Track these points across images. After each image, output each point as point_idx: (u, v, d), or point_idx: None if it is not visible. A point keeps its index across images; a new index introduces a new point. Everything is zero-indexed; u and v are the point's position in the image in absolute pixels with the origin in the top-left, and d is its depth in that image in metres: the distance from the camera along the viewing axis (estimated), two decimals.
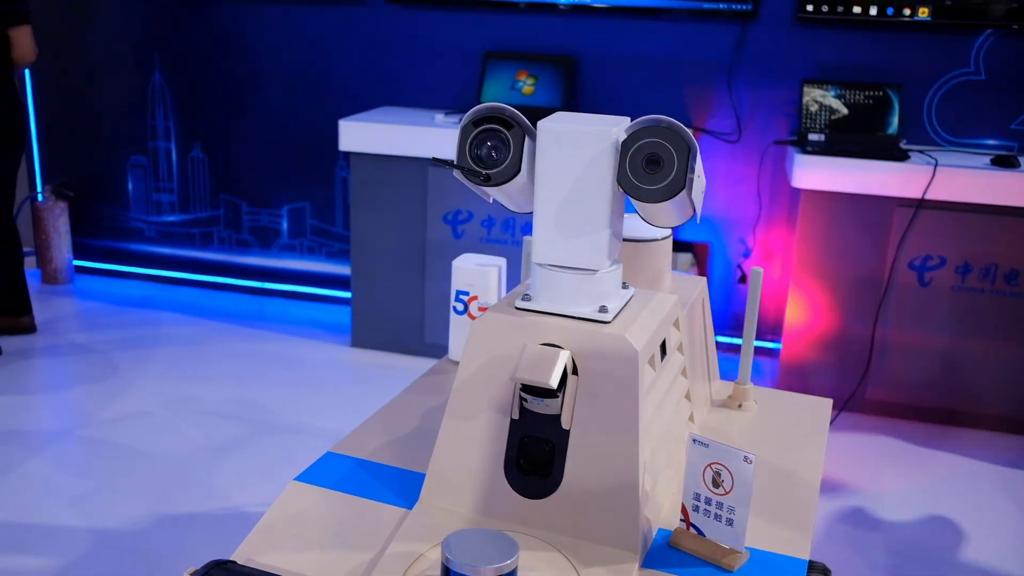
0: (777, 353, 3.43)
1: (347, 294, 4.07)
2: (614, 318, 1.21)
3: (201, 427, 3.00)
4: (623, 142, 1.14)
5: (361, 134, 3.45)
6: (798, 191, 3.14)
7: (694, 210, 1.21)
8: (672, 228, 1.35)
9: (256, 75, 3.99)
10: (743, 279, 3.59)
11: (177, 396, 3.22)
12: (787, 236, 3.43)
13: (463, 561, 1.02)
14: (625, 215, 1.31)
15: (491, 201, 1.30)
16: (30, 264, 3.87)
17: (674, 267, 3.32)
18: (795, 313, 3.22)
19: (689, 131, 1.12)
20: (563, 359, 1.17)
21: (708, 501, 1.20)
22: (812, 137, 3.21)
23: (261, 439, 2.93)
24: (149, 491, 2.61)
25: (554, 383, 1.15)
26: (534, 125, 1.19)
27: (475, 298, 1.72)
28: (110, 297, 4.22)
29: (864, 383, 3.23)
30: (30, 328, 3.73)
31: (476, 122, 1.18)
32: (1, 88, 3.35)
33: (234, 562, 1.16)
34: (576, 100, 3.60)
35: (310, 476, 1.35)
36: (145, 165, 4.24)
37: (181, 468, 2.74)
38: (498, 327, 1.21)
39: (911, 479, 2.88)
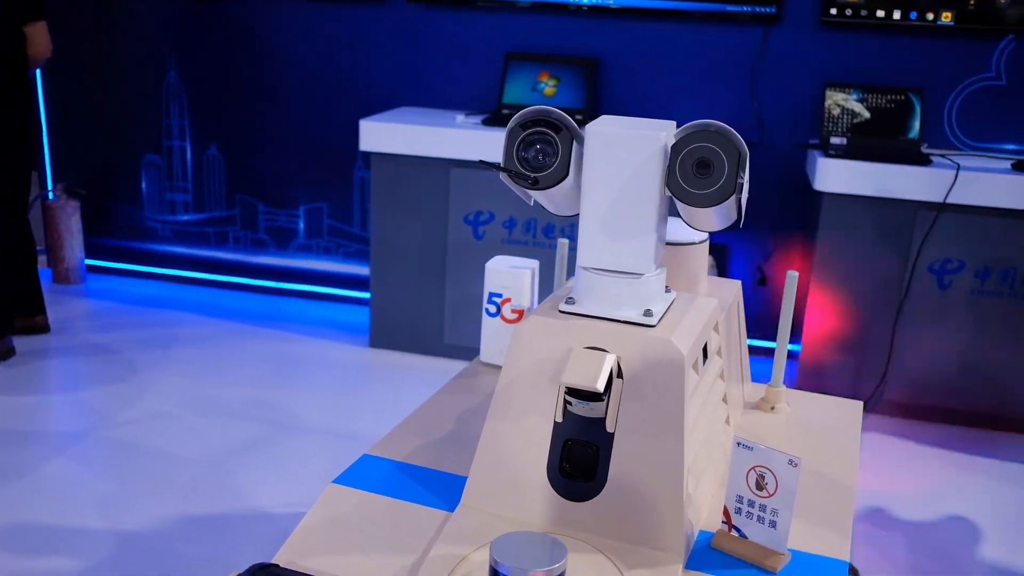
0: (795, 355, 3.43)
1: (364, 294, 4.07)
2: (659, 321, 1.21)
3: (221, 428, 3.00)
4: (673, 146, 1.14)
5: (382, 134, 3.45)
6: (819, 194, 3.14)
7: (739, 214, 1.21)
8: (712, 232, 1.35)
9: (273, 73, 3.99)
10: (762, 281, 3.59)
11: (196, 397, 3.23)
12: (807, 239, 3.43)
13: (513, 564, 1.02)
14: None
15: (531, 203, 1.30)
16: (41, 263, 3.87)
17: None
18: (814, 314, 3.22)
19: (739, 136, 1.12)
20: (609, 363, 1.17)
21: (751, 503, 1.20)
22: (834, 140, 3.21)
23: (282, 440, 2.93)
24: (173, 493, 2.61)
25: (600, 387, 1.15)
26: None
27: (508, 300, 1.72)
28: (123, 297, 4.22)
29: (883, 385, 3.23)
30: (44, 328, 3.73)
31: (524, 125, 1.18)
32: (17, 86, 3.35)
33: (276, 565, 1.16)
34: (598, 102, 3.60)
35: (348, 479, 1.35)
36: (159, 164, 4.24)
37: (203, 469, 2.74)
38: (543, 330, 1.22)
39: (930, 480, 2.88)
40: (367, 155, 3.71)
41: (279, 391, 3.30)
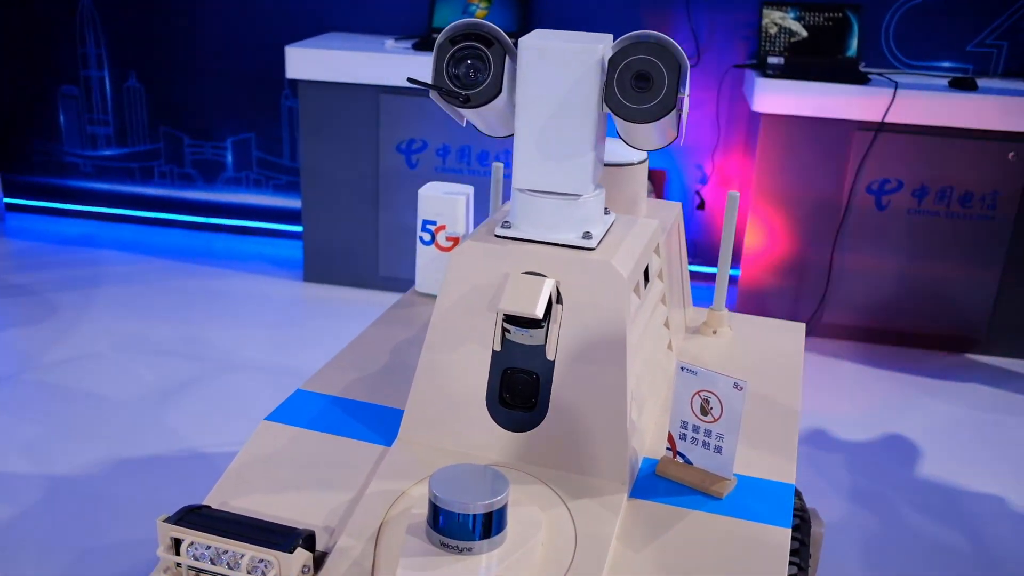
0: (734, 279, 3.44)
1: (296, 228, 3.97)
2: (598, 244, 1.17)
3: (153, 368, 2.91)
4: (610, 59, 1.08)
5: (310, 61, 3.32)
6: (757, 115, 3.11)
7: (678, 132, 1.16)
8: (651, 151, 1.31)
9: None
10: (701, 205, 3.57)
11: (126, 336, 3.13)
12: (745, 161, 3.41)
13: (452, 498, 0.98)
14: None
15: (464, 124, 1.24)
16: None
17: None
18: (753, 238, 3.22)
19: (679, 47, 1.07)
20: (548, 288, 1.13)
21: (696, 429, 1.17)
22: (772, 60, 3.16)
23: (216, 378, 2.86)
24: (104, 435, 2.53)
25: (540, 313, 1.11)
26: None
27: (443, 228, 1.66)
28: (45, 236, 4.06)
29: (822, 307, 3.25)
30: None
31: (453, 39, 1.11)
32: None
33: (208, 507, 1.12)
34: (531, 25, 3.50)
35: (281, 415, 1.30)
36: (77, 96, 4.05)
37: (136, 410, 2.66)
38: (479, 256, 1.17)
39: (868, 401, 2.93)
40: (294, 83, 3.57)
41: (212, 329, 3.21)
